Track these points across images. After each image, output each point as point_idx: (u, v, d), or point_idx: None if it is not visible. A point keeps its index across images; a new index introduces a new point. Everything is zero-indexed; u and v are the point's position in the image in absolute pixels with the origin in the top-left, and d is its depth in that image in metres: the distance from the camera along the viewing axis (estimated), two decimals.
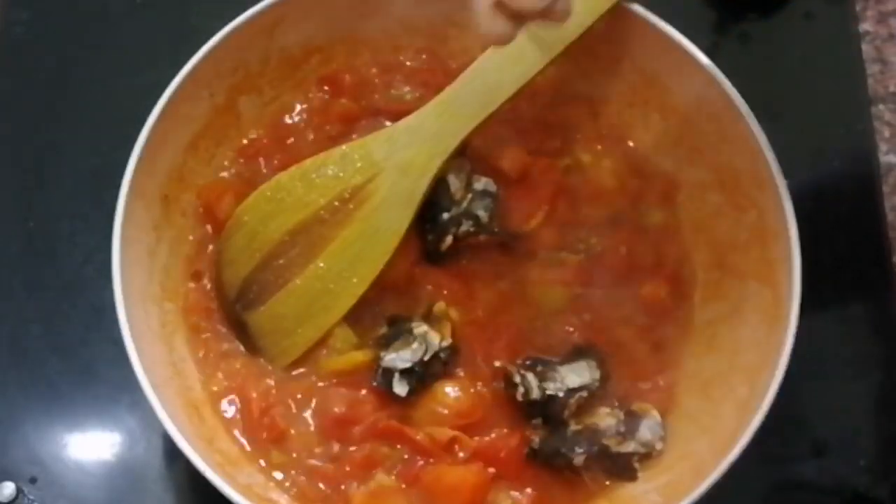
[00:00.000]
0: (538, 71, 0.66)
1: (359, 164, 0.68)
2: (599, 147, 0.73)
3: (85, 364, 0.74)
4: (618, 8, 0.67)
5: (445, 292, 0.69)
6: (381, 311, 0.69)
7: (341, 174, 0.68)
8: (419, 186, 0.67)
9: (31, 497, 0.71)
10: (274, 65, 0.72)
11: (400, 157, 0.67)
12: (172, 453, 0.58)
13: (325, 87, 0.74)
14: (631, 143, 0.74)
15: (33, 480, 0.71)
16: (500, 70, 0.66)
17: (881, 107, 0.84)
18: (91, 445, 0.72)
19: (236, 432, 0.67)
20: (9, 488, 0.71)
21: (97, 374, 0.73)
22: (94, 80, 0.83)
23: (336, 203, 0.68)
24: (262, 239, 0.68)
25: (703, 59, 0.67)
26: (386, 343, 0.67)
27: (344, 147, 0.69)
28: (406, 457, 0.66)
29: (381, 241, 0.67)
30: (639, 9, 0.68)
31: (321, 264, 0.68)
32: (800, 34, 0.85)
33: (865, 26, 0.86)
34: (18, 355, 0.75)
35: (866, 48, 0.85)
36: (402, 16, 0.73)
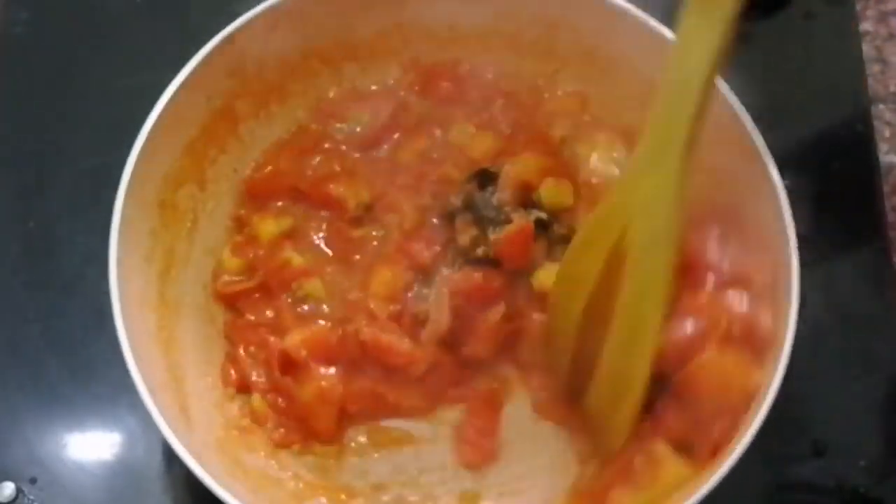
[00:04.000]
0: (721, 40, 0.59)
1: (612, 221, 0.61)
2: (598, 146, 0.74)
3: (85, 364, 0.74)
4: (617, 12, 0.68)
5: None
6: None
7: (604, 237, 0.62)
8: (668, 214, 0.60)
9: (31, 497, 0.71)
10: (271, 68, 0.72)
11: (641, 195, 0.60)
12: (172, 454, 0.59)
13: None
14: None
15: (33, 480, 0.71)
16: (684, 58, 0.58)
17: (881, 107, 0.84)
18: (91, 445, 0.72)
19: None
20: (9, 488, 0.70)
21: (97, 375, 0.73)
22: (94, 80, 0.83)
23: (608, 269, 0.62)
24: (566, 326, 0.65)
25: None
26: None
27: (592, 214, 0.64)
28: None
29: (654, 292, 0.60)
30: (637, 12, 0.68)
31: (612, 342, 0.62)
32: (800, 34, 0.85)
33: (865, 26, 0.86)
34: (18, 355, 0.75)
35: (866, 48, 0.85)
36: (400, 19, 0.73)
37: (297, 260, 0.70)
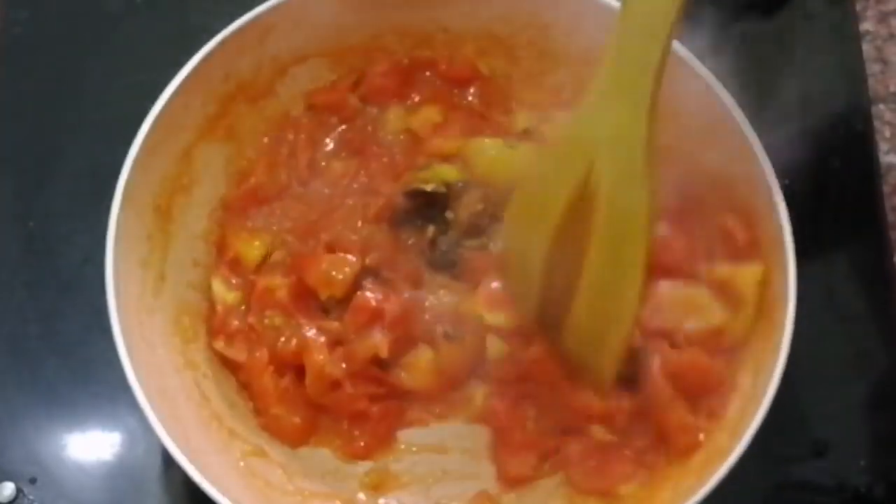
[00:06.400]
0: None
1: (574, 157, 0.58)
2: None
3: (84, 364, 0.74)
4: (613, 12, 0.67)
5: None
6: None
7: (565, 173, 0.59)
8: (636, 151, 0.56)
9: (31, 497, 0.71)
10: (266, 73, 0.72)
11: (605, 130, 0.57)
12: (171, 455, 0.59)
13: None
14: None
15: (33, 480, 0.71)
16: None
17: (881, 107, 0.84)
18: (91, 445, 0.72)
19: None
20: (9, 488, 0.70)
21: (96, 374, 0.73)
22: (94, 80, 0.83)
23: (574, 206, 0.59)
24: (531, 258, 0.63)
25: (697, 64, 0.66)
26: None
27: (550, 146, 0.63)
28: None
29: (632, 232, 0.58)
30: None
31: (592, 280, 0.60)
32: (800, 34, 0.85)
33: (866, 26, 0.86)
34: (18, 355, 0.75)
35: (866, 48, 0.85)
36: (395, 23, 0.73)
37: (281, 293, 0.69)
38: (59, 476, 0.72)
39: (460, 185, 0.70)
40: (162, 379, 0.65)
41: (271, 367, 0.68)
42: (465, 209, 0.70)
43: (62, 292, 0.76)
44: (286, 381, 0.69)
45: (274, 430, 0.69)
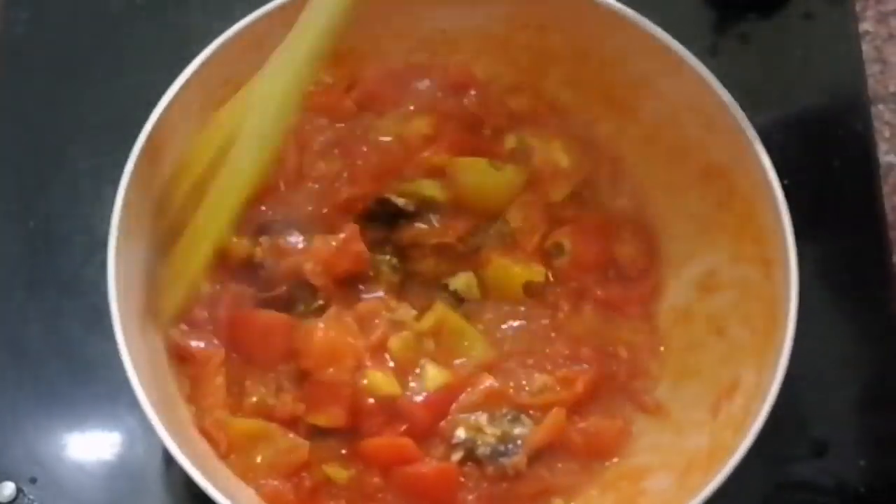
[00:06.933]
0: None
1: (237, 109, 0.64)
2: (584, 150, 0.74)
3: (85, 364, 0.74)
4: (608, 13, 0.68)
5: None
6: None
7: (230, 119, 0.64)
8: (275, 121, 0.63)
9: (31, 497, 0.71)
10: None
11: (260, 92, 0.63)
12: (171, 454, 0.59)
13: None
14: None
15: (33, 480, 0.71)
16: None
17: (881, 107, 0.84)
18: (91, 445, 0.72)
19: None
20: (9, 488, 0.70)
21: (97, 374, 0.73)
22: (94, 80, 0.83)
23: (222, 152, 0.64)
24: (175, 196, 0.66)
25: (698, 63, 0.66)
26: None
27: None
28: None
29: (237, 187, 0.63)
30: (629, 12, 0.68)
31: (196, 220, 0.64)
32: (800, 34, 0.85)
33: (865, 26, 0.87)
34: (18, 355, 0.75)
35: (866, 48, 0.85)
36: (392, 24, 0.73)
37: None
38: (59, 476, 0.72)
39: (437, 204, 0.71)
40: (163, 379, 0.65)
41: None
42: (424, 234, 0.70)
43: (62, 292, 0.76)
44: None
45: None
